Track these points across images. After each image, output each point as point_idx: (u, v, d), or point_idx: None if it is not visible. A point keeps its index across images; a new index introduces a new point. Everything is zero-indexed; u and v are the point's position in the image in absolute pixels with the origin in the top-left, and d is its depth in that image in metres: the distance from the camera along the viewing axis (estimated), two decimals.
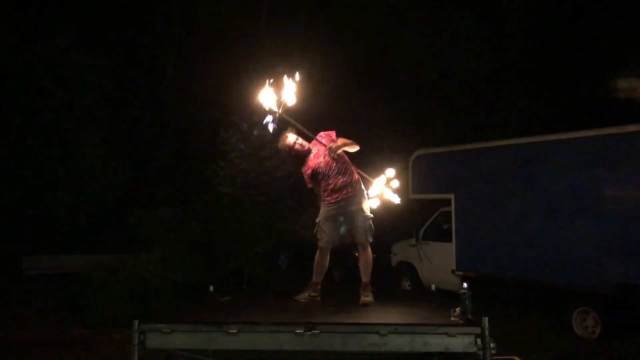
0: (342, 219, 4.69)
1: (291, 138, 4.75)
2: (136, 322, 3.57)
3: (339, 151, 4.57)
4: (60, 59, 12.88)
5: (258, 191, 10.65)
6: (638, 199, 7.34)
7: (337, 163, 4.68)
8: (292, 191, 10.79)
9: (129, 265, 9.53)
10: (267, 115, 4.45)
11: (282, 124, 4.61)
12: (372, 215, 4.74)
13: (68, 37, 13.19)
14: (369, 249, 4.76)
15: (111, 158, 13.89)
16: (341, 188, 4.66)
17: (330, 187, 4.68)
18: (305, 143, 4.81)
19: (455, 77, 14.57)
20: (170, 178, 15.87)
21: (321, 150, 4.75)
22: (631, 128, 7.53)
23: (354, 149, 4.68)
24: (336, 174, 4.67)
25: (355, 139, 4.76)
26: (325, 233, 4.72)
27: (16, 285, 12.14)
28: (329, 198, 4.71)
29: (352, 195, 4.67)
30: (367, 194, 4.79)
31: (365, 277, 4.69)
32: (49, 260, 12.94)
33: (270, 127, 4.47)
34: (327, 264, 4.84)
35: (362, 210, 4.68)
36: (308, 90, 5.02)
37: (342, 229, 4.68)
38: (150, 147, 17.38)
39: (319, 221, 4.77)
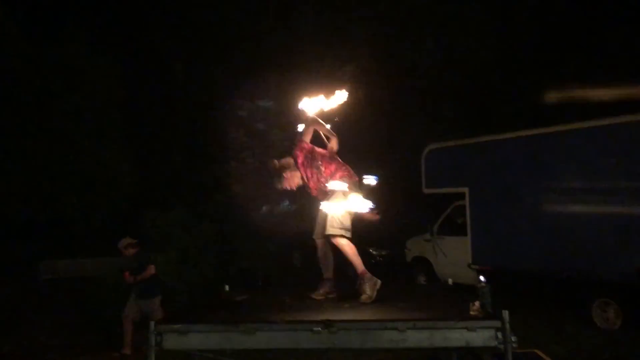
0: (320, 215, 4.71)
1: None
2: (152, 323, 3.55)
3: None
4: (70, 63, 12.95)
5: (271, 190, 10.63)
6: None
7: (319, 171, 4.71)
8: (304, 189, 10.77)
9: None
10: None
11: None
12: (340, 212, 4.58)
13: (77, 42, 13.25)
14: (342, 242, 4.55)
15: (122, 161, 13.94)
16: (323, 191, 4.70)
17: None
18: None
19: (465, 68, 14.44)
20: (182, 179, 15.90)
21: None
22: None
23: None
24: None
25: (365, 135, 4.75)
26: (316, 227, 4.76)
27: (33, 290, 12.24)
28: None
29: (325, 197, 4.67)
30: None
31: (356, 268, 4.54)
32: (64, 264, 13.04)
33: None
34: (328, 258, 4.77)
35: (332, 205, 4.60)
36: (316, 87, 5.01)
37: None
38: (161, 148, 17.43)
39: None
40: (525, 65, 14.23)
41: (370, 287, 4.38)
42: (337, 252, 4.76)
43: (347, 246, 4.57)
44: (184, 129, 17.92)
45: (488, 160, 9.58)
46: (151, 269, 7.24)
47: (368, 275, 4.46)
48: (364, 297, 4.36)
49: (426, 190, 10.71)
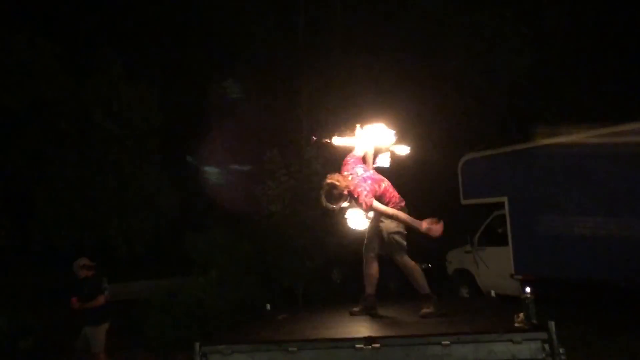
0: (377, 230, 4.78)
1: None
2: (197, 344, 3.61)
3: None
4: (108, 92, 13.36)
5: (307, 207, 10.68)
6: None
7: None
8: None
9: (186, 289, 9.68)
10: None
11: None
12: (399, 231, 4.68)
13: (115, 70, 13.66)
14: (406, 261, 4.67)
15: (163, 185, 14.23)
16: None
17: None
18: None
19: (499, 77, 14.27)
20: (221, 200, 16.10)
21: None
22: None
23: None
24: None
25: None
26: (366, 241, 4.80)
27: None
28: None
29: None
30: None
31: (420, 290, 4.61)
32: (109, 288, 13.26)
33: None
34: (374, 273, 4.79)
35: (386, 226, 4.69)
36: (351, 98, 5.14)
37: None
38: (198, 170, 17.74)
39: None
40: (559, 69, 14.00)
41: (435, 307, 4.46)
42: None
43: (413, 267, 4.65)
44: (220, 150, 18.20)
45: (527, 168, 9.41)
46: (100, 300, 6.86)
47: (435, 297, 4.57)
48: (425, 310, 4.40)
49: (464, 202, 10.58)
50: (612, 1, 13.48)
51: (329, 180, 4.66)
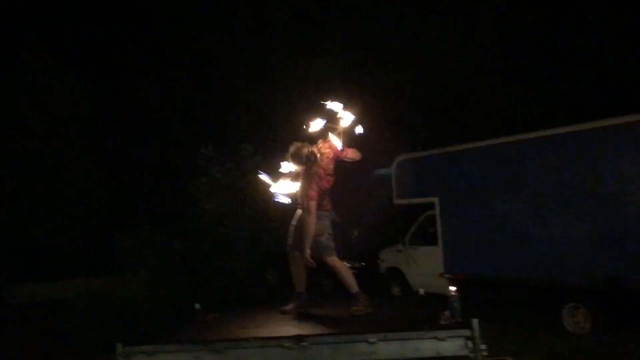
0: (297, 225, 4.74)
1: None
2: (119, 345, 3.50)
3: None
4: (33, 81, 12.75)
5: (242, 205, 10.55)
6: (620, 193, 7.37)
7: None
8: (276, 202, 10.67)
9: (115, 288, 9.36)
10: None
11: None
12: (326, 231, 4.69)
13: (41, 61, 13.05)
14: (334, 261, 4.69)
15: (92, 180, 13.72)
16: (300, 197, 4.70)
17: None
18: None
19: (434, 79, 14.62)
20: (153, 197, 15.70)
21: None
22: (609, 122, 7.60)
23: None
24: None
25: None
26: (291, 239, 4.79)
27: None
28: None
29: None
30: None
31: (349, 289, 4.63)
32: (31, 288, 12.69)
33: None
34: (300, 271, 4.77)
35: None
36: (292, 98, 5.08)
37: None
38: (132, 167, 17.21)
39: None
40: (493, 73, 14.46)
41: (364, 305, 4.49)
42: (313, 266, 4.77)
43: (341, 267, 4.65)
44: (154, 146, 17.75)
45: (457, 170, 9.67)
46: None
47: (364, 295, 4.59)
48: (354, 308, 4.42)
49: (397, 201, 10.77)
50: (545, 10, 14.05)
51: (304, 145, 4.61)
